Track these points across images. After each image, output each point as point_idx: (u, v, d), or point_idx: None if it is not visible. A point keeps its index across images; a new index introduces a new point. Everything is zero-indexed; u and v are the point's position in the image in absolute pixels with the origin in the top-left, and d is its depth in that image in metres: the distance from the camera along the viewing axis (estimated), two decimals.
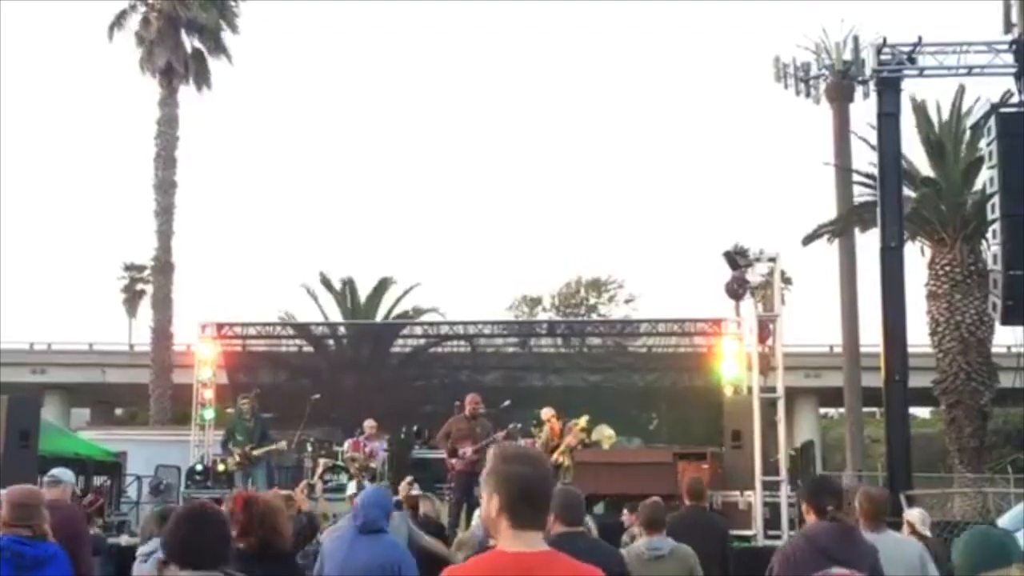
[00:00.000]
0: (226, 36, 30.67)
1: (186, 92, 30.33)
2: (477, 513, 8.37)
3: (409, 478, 10.14)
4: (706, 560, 6.41)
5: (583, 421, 12.63)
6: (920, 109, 22.24)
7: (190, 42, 30.37)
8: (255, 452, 13.68)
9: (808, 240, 25.30)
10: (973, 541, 3.40)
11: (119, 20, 30.14)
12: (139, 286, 48.22)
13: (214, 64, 30.67)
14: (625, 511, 9.78)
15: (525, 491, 2.66)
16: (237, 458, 13.60)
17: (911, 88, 17.64)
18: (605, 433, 13.28)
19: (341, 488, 12.93)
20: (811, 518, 5.01)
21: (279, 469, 14.81)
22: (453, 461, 12.50)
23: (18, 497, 4.95)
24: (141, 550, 6.02)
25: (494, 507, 2.67)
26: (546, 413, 12.84)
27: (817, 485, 5.23)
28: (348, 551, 5.11)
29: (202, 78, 30.39)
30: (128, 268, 51.30)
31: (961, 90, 21.97)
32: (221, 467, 14.97)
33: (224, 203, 77.43)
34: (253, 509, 4.38)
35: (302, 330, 19.90)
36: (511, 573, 2.60)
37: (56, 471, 7.09)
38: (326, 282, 31.92)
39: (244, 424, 13.95)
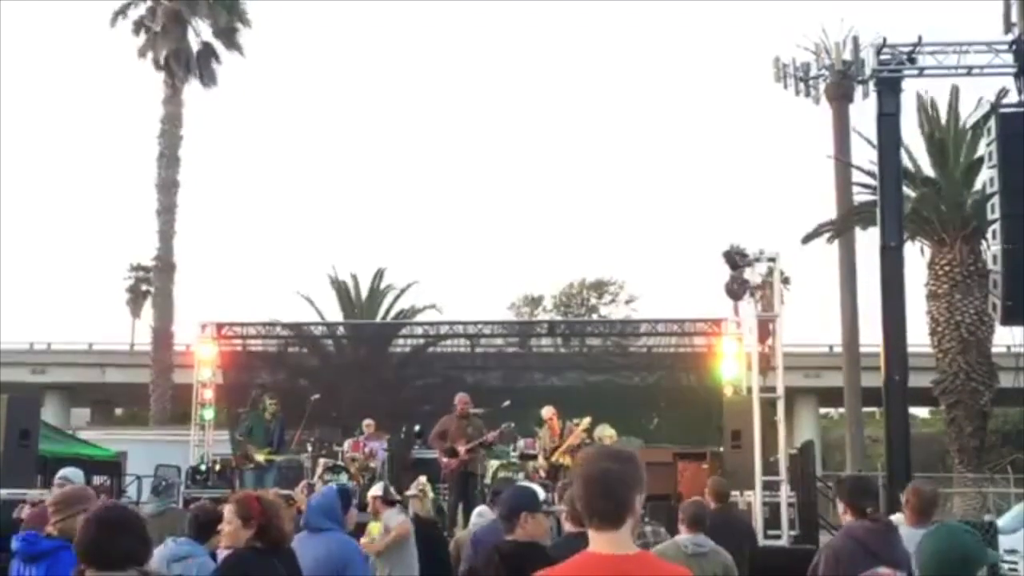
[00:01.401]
0: (239, 30, 30.60)
1: (190, 90, 30.38)
2: (475, 512, 8.39)
3: (423, 479, 10.19)
4: (737, 560, 6.50)
5: (585, 422, 12.62)
6: (924, 108, 22.25)
7: (197, 39, 30.40)
8: (276, 458, 13.68)
9: (808, 239, 25.32)
10: (940, 544, 3.13)
11: (123, 11, 30.09)
12: (144, 286, 48.21)
13: (224, 58, 30.67)
14: None
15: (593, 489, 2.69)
16: (256, 458, 13.52)
17: (915, 86, 17.67)
18: (606, 433, 13.26)
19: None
20: (848, 518, 5.06)
21: (284, 469, 14.82)
22: (446, 460, 12.55)
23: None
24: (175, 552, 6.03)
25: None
26: (547, 412, 12.84)
27: (857, 486, 5.27)
28: (298, 549, 5.26)
29: (208, 75, 30.33)
30: (134, 269, 51.34)
31: (955, 91, 22.01)
32: (218, 467, 14.96)
33: (225, 202, 77.57)
34: (267, 508, 4.57)
35: (302, 330, 19.89)
36: (605, 574, 2.61)
37: (67, 472, 7.10)
38: (335, 282, 32.00)
39: (265, 424, 13.92)
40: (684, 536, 6.29)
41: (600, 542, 2.65)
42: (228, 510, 4.69)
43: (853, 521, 5.03)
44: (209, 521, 5.47)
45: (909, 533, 5.81)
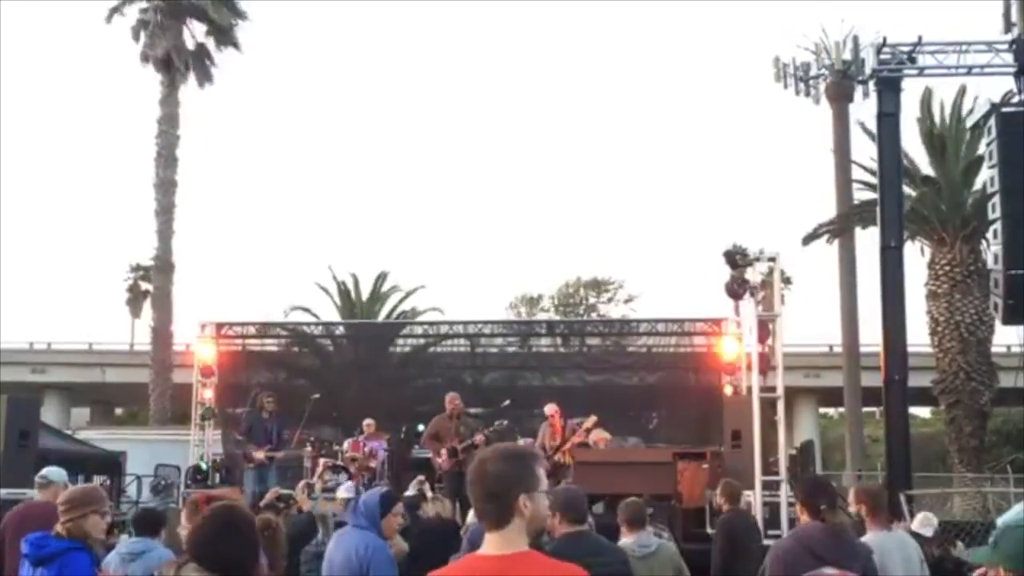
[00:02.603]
0: (236, 26, 30.48)
1: (188, 89, 30.33)
2: (471, 512, 8.39)
3: (421, 477, 10.16)
4: (748, 559, 6.51)
5: (590, 421, 12.62)
6: (925, 102, 22.24)
7: (193, 37, 30.36)
8: (275, 455, 13.66)
9: (808, 240, 25.32)
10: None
11: (119, 8, 30.05)
12: (143, 286, 48.19)
13: (221, 56, 30.62)
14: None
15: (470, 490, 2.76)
16: (256, 456, 13.52)
17: (917, 84, 17.65)
18: (601, 436, 13.26)
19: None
20: (804, 518, 5.02)
21: (284, 469, 14.81)
22: (440, 460, 12.55)
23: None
24: (131, 549, 6.07)
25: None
26: (549, 409, 12.83)
27: (812, 486, 5.24)
28: (335, 545, 5.60)
29: (204, 73, 30.31)
30: (133, 269, 51.34)
31: (962, 90, 22.00)
32: (204, 466, 14.92)
33: (225, 201, 77.56)
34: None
35: (302, 330, 19.88)
36: (485, 574, 2.62)
37: (46, 471, 6.91)
38: (336, 282, 32.01)
39: (263, 423, 13.91)
40: (627, 539, 6.14)
41: (488, 543, 2.68)
42: (183, 513, 4.72)
43: (806, 522, 4.99)
44: (155, 520, 6.21)
45: (879, 539, 5.79)
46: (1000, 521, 2.90)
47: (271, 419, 13.90)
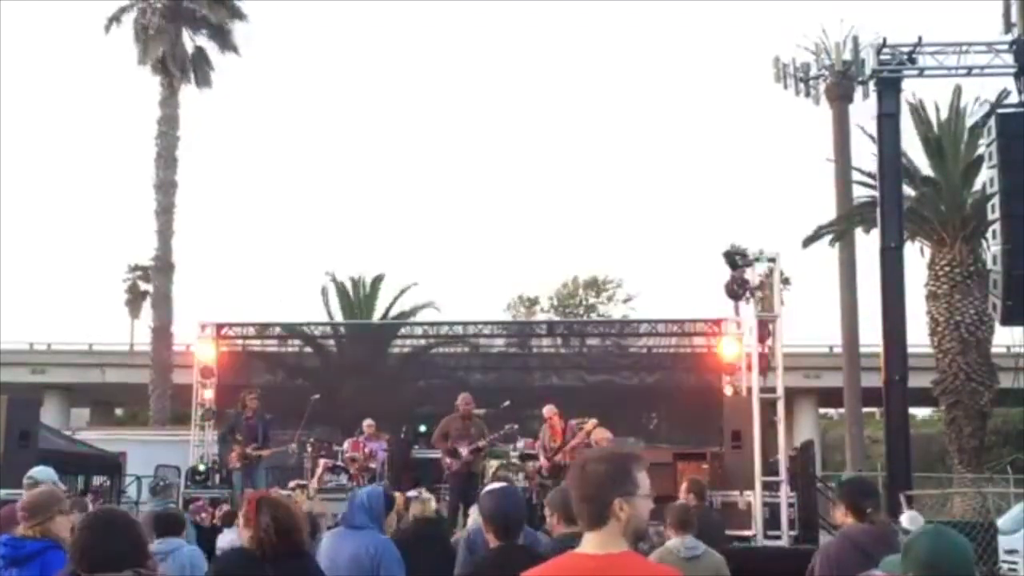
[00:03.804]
0: (234, 30, 30.57)
1: (187, 91, 30.36)
2: (473, 513, 8.38)
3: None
4: None
5: (591, 424, 12.60)
6: (917, 110, 22.25)
7: (192, 40, 30.36)
8: (261, 453, 13.60)
9: (809, 242, 25.34)
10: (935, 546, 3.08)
11: (118, 16, 30.08)
12: (143, 286, 48.17)
13: (220, 59, 30.64)
14: None
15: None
16: (239, 456, 13.51)
17: (911, 88, 17.66)
18: (603, 435, 13.25)
19: (342, 488, 12.94)
20: (849, 520, 5.04)
21: (280, 469, 14.81)
22: (449, 461, 12.53)
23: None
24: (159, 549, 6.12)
25: None
26: (547, 411, 12.76)
27: (857, 487, 5.26)
28: (335, 545, 5.51)
29: (202, 77, 30.34)
30: (133, 269, 51.33)
31: (958, 90, 22.01)
32: (203, 467, 14.93)
33: (224, 202, 77.48)
34: (267, 508, 4.25)
35: (301, 330, 19.89)
36: (584, 572, 2.66)
37: (34, 471, 6.83)
38: (335, 282, 31.99)
39: (246, 423, 13.81)
40: (675, 540, 6.28)
41: (588, 542, 2.72)
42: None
43: (851, 523, 5.01)
44: (176, 521, 6.51)
45: None
46: (909, 532, 3.06)
47: (254, 418, 13.69)
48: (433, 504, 8.84)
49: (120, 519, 3.71)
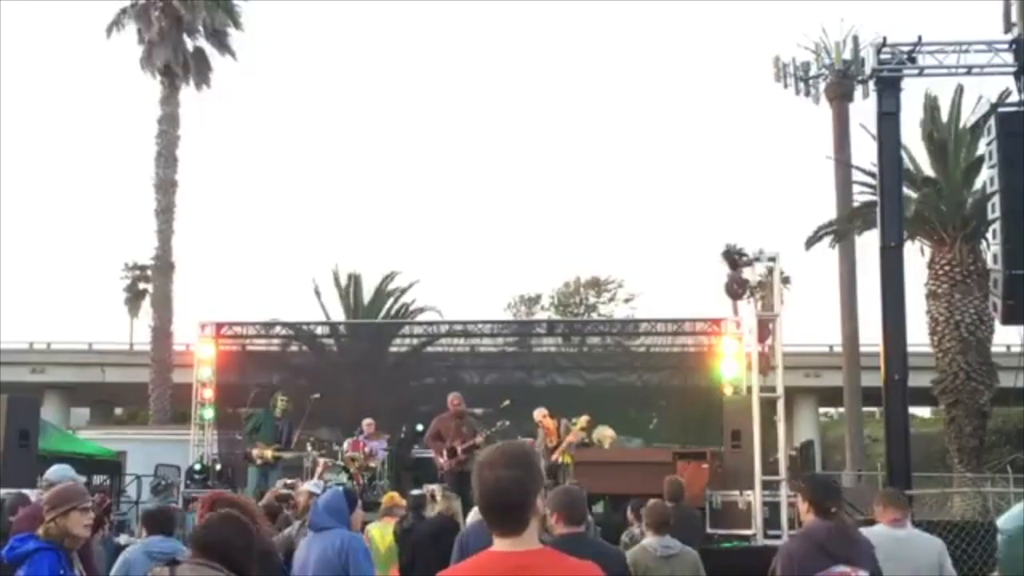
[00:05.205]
0: (231, 34, 30.62)
1: (188, 90, 30.33)
2: (473, 511, 8.38)
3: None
4: None
5: (582, 421, 12.60)
6: (928, 107, 22.25)
7: (191, 41, 30.35)
8: (283, 455, 13.71)
9: (810, 243, 25.38)
10: None
11: (120, 18, 30.09)
12: (141, 285, 48.14)
13: (218, 61, 30.64)
14: (629, 510, 9.78)
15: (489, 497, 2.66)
16: (263, 454, 13.56)
17: (915, 86, 17.63)
18: (606, 433, 13.26)
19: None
20: (810, 517, 5.01)
21: (292, 471, 14.82)
22: (442, 460, 12.54)
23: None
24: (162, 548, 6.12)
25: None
26: (537, 415, 12.64)
27: (819, 485, 5.23)
28: (304, 548, 5.73)
29: (202, 77, 30.32)
30: (131, 268, 51.31)
31: (960, 90, 22.00)
32: (218, 466, 14.98)
33: (224, 201, 77.45)
34: (222, 508, 4.35)
35: (301, 330, 19.90)
36: (505, 571, 2.62)
37: (50, 473, 6.88)
38: (336, 280, 32.01)
39: (274, 421, 13.95)
40: (651, 539, 6.37)
41: (503, 542, 2.65)
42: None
43: (814, 521, 4.98)
44: (169, 518, 6.53)
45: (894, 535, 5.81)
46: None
47: (283, 419, 14.01)
48: (457, 503, 8.91)
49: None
